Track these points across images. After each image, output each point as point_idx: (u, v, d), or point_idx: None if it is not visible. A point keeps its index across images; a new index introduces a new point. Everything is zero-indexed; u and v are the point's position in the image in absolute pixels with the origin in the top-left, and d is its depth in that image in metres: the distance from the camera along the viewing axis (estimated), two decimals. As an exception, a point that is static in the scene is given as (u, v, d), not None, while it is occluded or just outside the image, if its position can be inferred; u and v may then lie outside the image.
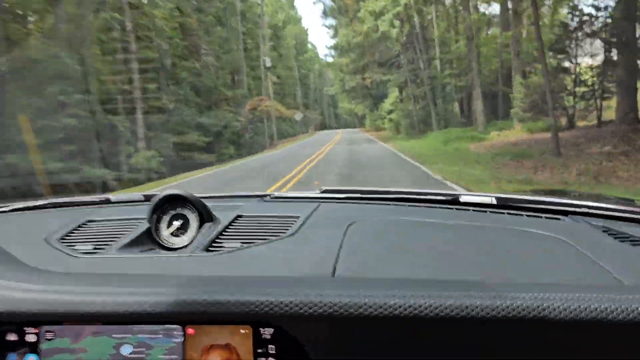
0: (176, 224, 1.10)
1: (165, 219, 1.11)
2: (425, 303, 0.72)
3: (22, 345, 0.81)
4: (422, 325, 0.73)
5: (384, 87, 39.26)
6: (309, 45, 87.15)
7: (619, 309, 0.68)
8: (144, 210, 1.18)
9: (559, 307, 0.70)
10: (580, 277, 0.84)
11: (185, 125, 22.84)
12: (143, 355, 0.78)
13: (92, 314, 0.77)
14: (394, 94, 35.82)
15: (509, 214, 1.23)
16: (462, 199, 1.33)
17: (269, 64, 40.80)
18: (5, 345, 0.81)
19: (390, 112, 36.75)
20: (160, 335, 0.78)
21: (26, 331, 0.81)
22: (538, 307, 0.70)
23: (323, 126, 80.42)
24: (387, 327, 0.74)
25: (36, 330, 0.80)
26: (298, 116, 43.84)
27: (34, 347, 0.81)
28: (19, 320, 0.80)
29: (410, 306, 0.72)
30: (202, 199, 1.15)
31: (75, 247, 1.06)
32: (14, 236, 1.14)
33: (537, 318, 0.69)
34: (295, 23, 71.23)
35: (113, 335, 0.79)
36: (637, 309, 0.68)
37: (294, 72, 62.47)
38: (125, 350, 0.78)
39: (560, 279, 0.83)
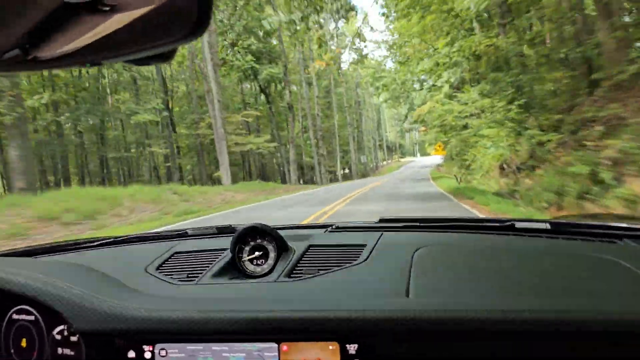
0: (257, 254, 1.21)
1: (246, 249, 1.22)
2: (500, 317, 0.79)
3: None
4: (500, 340, 0.79)
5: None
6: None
7: None
8: (219, 242, 1.32)
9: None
10: (638, 298, 0.87)
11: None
12: None
13: (201, 330, 0.88)
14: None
15: (563, 238, 1.25)
16: (518, 225, 1.37)
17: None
18: None
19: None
20: (258, 356, 0.88)
21: (144, 349, 0.92)
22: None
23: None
24: (462, 343, 0.82)
25: (151, 348, 0.91)
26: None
27: None
28: (138, 338, 0.92)
29: (485, 320, 0.79)
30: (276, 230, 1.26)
31: (173, 276, 1.18)
32: (117, 266, 1.27)
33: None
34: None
35: (222, 356, 0.89)
36: None
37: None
38: None
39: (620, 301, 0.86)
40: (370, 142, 73.65)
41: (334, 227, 1.52)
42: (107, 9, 0.35)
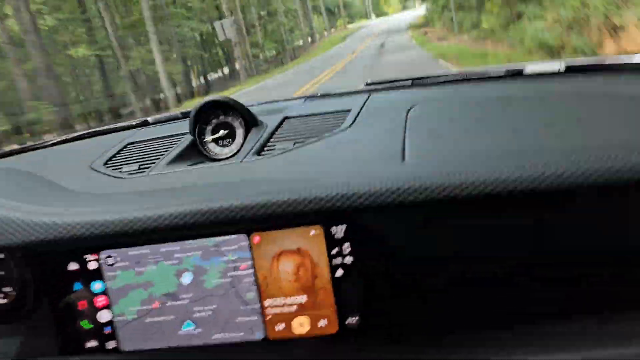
0: (221, 132, 1.03)
1: (209, 129, 1.04)
2: (510, 177, 0.63)
3: (85, 273, 0.78)
4: (508, 206, 0.66)
5: None
6: None
7: None
8: (185, 126, 1.11)
9: None
10: None
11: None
12: (204, 279, 0.74)
13: (150, 229, 0.72)
14: None
15: (583, 78, 1.07)
16: (527, 69, 1.18)
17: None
18: (69, 275, 0.78)
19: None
20: (215, 251, 0.73)
21: (86, 259, 0.77)
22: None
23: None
24: (473, 211, 0.67)
25: (95, 257, 0.77)
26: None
27: (98, 275, 0.77)
28: (77, 247, 0.77)
29: (494, 182, 0.64)
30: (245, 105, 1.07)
31: (122, 170, 1.01)
32: (60, 167, 1.10)
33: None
34: None
35: (174, 257, 0.75)
36: None
37: None
38: (186, 278, 0.74)
39: None
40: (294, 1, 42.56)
41: (315, 96, 1.33)
42: None
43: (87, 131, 1.42)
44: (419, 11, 41.95)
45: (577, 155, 0.64)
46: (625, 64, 1.14)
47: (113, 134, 1.36)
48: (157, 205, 0.73)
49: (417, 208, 0.67)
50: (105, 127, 1.44)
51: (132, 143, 1.16)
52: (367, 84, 1.33)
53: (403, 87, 1.27)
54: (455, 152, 0.77)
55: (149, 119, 1.41)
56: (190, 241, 0.73)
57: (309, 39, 46.04)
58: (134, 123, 1.41)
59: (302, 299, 0.72)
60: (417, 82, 1.27)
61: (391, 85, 1.29)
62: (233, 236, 0.72)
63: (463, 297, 0.74)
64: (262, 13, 31.14)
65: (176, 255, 0.74)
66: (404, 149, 0.80)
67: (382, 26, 46.14)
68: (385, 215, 0.69)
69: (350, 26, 68.20)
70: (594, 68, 1.15)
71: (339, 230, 0.70)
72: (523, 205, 0.67)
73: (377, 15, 79.92)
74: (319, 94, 1.34)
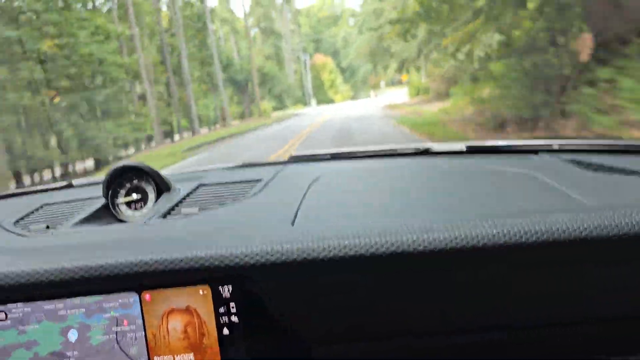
0: (134, 196, 1.07)
1: (122, 192, 1.08)
2: (382, 241, 0.70)
3: None
4: (387, 265, 0.71)
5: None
6: None
7: (580, 228, 0.68)
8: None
9: (519, 231, 0.68)
10: (548, 205, 0.83)
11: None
12: (89, 336, 0.74)
13: (31, 284, 0.73)
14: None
15: (480, 158, 1.24)
16: (434, 149, 1.34)
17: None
18: None
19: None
20: (97, 308, 0.74)
21: None
22: (495, 234, 0.68)
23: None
24: (352, 272, 0.72)
25: None
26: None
27: None
28: None
29: (365, 245, 0.70)
30: (166, 174, 1.12)
31: (29, 229, 1.01)
32: None
33: (495, 245, 0.68)
34: None
35: (58, 316, 0.75)
36: (598, 226, 0.67)
37: None
38: (72, 336, 0.74)
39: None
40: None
41: (237, 165, 1.41)
42: None
43: (9, 192, 1.42)
44: (378, 100, 35.41)
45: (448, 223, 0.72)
46: (515, 145, 1.32)
47: (36, 194, 1.37)
48: (44, 261, 0.74)
49: (299, 268, 0.71)
50: (29, 189, 1.45)
51: (48, 204, 1.17)
52: (291, 157, 1.43)
53: (322, 160, 1.37)
54: (341, 220, 0.84)
55: (74, 182, 1.43)
56: (74, 299, 0.74)
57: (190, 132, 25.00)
58: (59, 185, 1.43)
59: (190, 357, 0.74)
60: (336, 156, 1.38)
61: (312, 157, 1.39)
62: (117, 294, 0.74)
63: (352, 354, 0.78)
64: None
65: (60, 313, 0.74)
66: (296, 215, 0.86)
67: (324, 117, 26.03)
68: (269, 276, 0.73)
69: (276, 114, 44.68)
70: (489, 149, 1.31)
71: (225, 290, 0.74)
72: (397, 267, 0.71)
73: (319, 102, 59.52)
74: (239, 164, 1.42)
